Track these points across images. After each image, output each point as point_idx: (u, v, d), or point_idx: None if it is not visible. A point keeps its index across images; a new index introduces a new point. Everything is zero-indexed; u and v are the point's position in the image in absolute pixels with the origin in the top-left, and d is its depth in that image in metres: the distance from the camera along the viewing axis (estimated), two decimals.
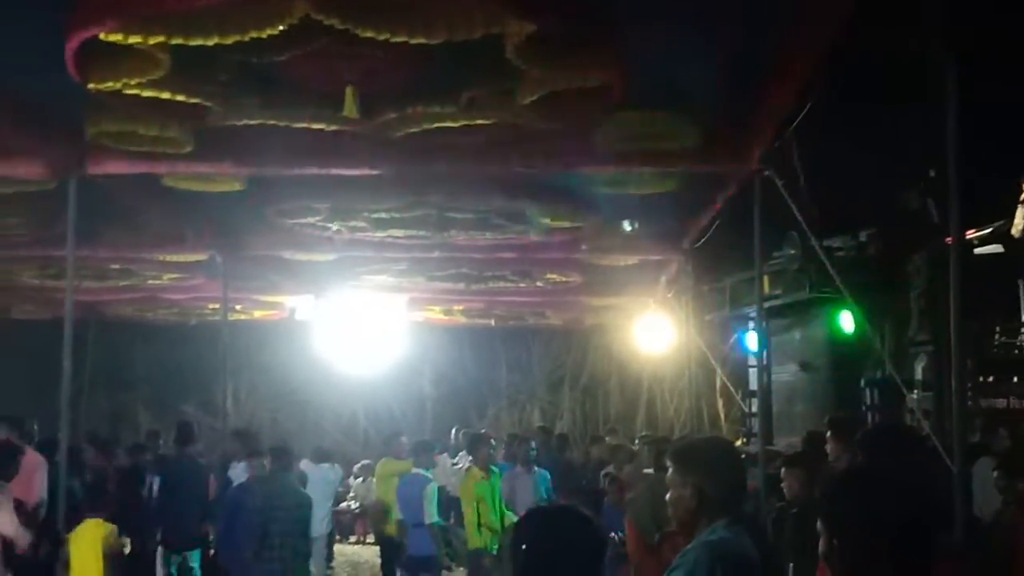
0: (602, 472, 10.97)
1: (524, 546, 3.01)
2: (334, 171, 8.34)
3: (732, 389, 13.90)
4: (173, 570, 10.01)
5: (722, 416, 14.24)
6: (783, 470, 6.66)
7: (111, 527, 8.11)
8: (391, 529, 10.80)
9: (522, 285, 15.02)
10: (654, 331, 14.38)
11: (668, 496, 3.47)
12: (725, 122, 7.49)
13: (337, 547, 16.45)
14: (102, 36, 5.45)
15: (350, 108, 6.48)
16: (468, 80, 6.64)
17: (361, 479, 17.18)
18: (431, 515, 9.75)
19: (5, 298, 16.75)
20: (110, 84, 6.09)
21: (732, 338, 14.37)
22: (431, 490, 9.86)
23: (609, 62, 6.09)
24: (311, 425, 21.29)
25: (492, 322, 19.48)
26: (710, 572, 3.16)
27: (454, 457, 13.63)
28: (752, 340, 13.62)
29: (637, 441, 12.33)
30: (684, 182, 8.94)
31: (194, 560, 10.06)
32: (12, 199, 9.65)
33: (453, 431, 15.84)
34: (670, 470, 3.49)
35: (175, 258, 12.64)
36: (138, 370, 22.70)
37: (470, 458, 11.18)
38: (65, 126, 7.36)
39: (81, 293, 10.74)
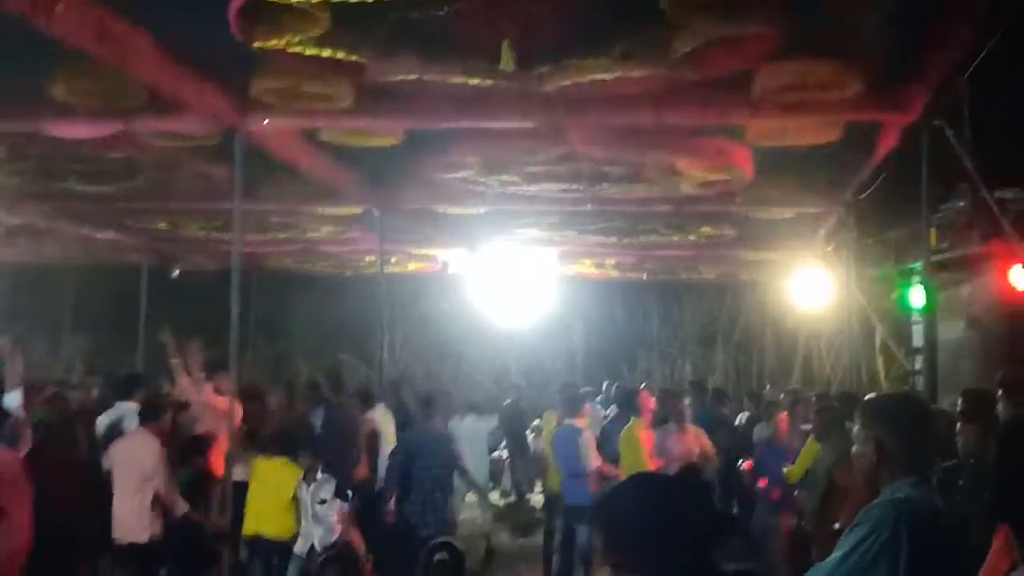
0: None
1: (624, 518, 2.60)
2: (488, 125, 8.37)
3: (893, 347, 13.47)
4: None
5: (882, 374, 13.81)
6: (959, 425, 6.42)
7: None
8: (551, 481, 10.95)
9: (675, 239, 14.85)
10: (811, 286, 14.04)
11: (853, 450, 3.40)
12: (890, 68, 7.20)
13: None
14: None
15: (507, 61, 6.49)
16: (623, 31, 6.56)
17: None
18: (590, 463, 9.81)
19: (173, 249, 17.47)
20: (273, 42, 6.23)
21: (895, 293, 13.90)
22: (586, 439, 9.91)
23: (766, 9, 5.92)
24: (464, 377, 21.60)
25: (644, 276, 19.35)
26: (894, 531, 3.06)
27: (606, 409, 13.63)
28: (917, 295, 13.15)
29: (782, 396, 12.11)
30: (845, 132, 8.64)
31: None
32: (180, 154, 10.04)
33: (604, 384, 15.83)
34: (856, 425, 3.41)
35: (333, 211, 12.96)
36: (297, 320, 23.38)
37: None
38: (230, 82, 7.57)
39: (245, 245, 11.09)
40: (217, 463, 9.18)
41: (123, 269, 18.08)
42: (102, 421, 9.63)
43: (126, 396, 9.89)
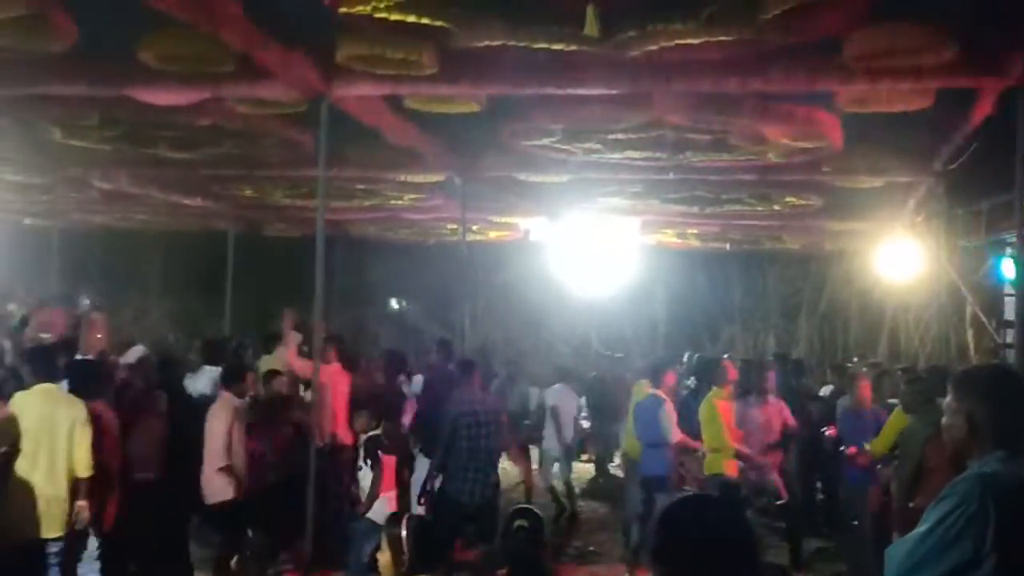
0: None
1: (669, 545, 2.57)
2: (571, 91, 8.31)
3: (984, 319, 13.16)
4: None
5: (971, 347, 13.50)
6: None
7: None
8: (632, 450, 10.95)
9: (759, 208, 14.66)
10: (899, 257, 13.77)
11: (943, 422, 3.33)
12: (986, 31, 6.98)
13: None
14: None
15: (591, 27, 6.42)
16: None
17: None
18: (672, 435, 9.78)
19: (259, 216, 17.74)
20: (359, 8, 6.25)
21: (986, 265, 13.57)
22: (668, 409, 9.87)
23: None
24: (544, 345, 21.62)
25: (727, 246, 19.15)
26: (981, 504, 2.98)
27: (687, 380, 13.55)
28: (1008, 267, 12.82)
29: (867, 370, 11.93)
30: (937, 98, 8.41)
31: None
32: (266, 121, 10.16)
33: (686, 355, 15.73)
34: (948, 397, 3.34)
35: (415, 179, 13.02)
36: (379, 288, 23.59)
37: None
38: (316, 49, 7.62)
39: (329, 212, 11.23)
40: (344, 433, 9.51)
41: (210, 235, 18.42)
42: (192, 385, 9.87)
43: (214, 361, 10.15)
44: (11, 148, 11.74)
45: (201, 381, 10.03)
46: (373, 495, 8.47)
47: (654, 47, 7.06)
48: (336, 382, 10.19)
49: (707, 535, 2.55)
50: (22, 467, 6.90)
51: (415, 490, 9.09)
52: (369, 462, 8.49)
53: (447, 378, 10.73)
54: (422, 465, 9.54)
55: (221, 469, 8.19)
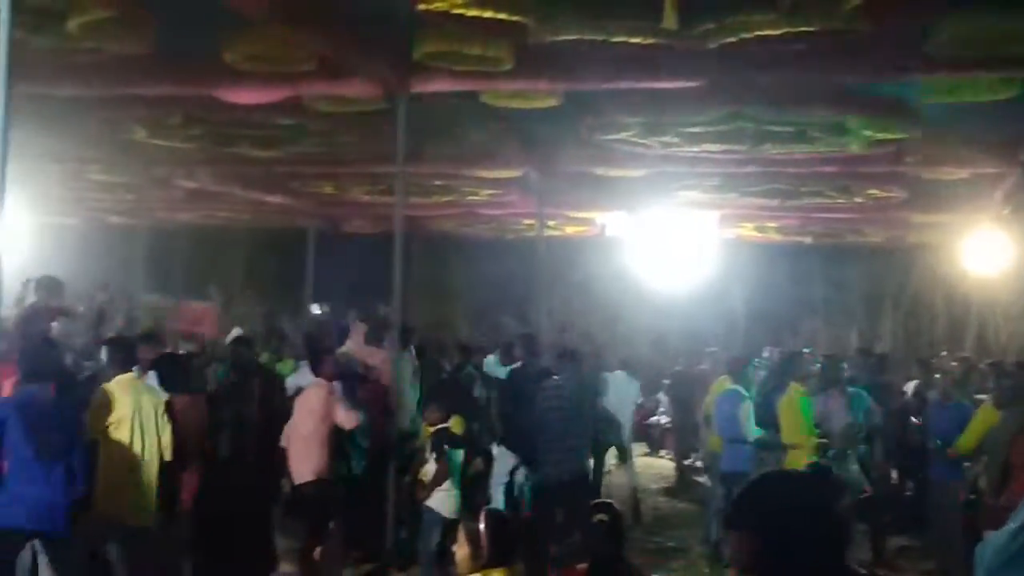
0: None
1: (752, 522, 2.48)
2: (649, 85, 8.27)
3: None
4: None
5: None
6: None
7: None
8: (712, 445, 10.89)
9: (840, 201, 14.45)
10: (986, 250, 13.46)
11: None
12: None
13: (646, 460, 16.71)
14: None
15: (669, 19, 6.37)
16: None
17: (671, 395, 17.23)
18: (753, 432, 9.69)
19: (338, 212, 17.93)
20: (437, 4, 6.28)
21: None
22: (748, 407, 9.78)
23: None
24: (621, 339, 21.53)
25: (807, 239, 18.91)
26: None
27: (768, 375, 13.39)
28: None
29: (954, 364, 11.70)
30: None
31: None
32: (345, 119, 10.26)
33: (767, 350, 15.56)
34: None
35: (492, 174, 13.06)
36: (457, 283, 23.69)
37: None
38: (393, 47, 7.68)
39: (407, 208, 11.31)
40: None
41: (291, 232, 18.67)
42: (297, 381, 9.98)
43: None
44: (98, 148, 12.02)
45: (306, 376, 10.14)
46: (434, 485, 8.51)
47: (733, 39, 7.00)
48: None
49: (793, 505, 2.45)
50: (114, 454, 7.06)
51: (495, 483, 9.13)
52: (435, 455, 8.54)
53: (530, 373, 10.76)
54: (503, 458, 9.58)
55: (309, 452, 8.32)
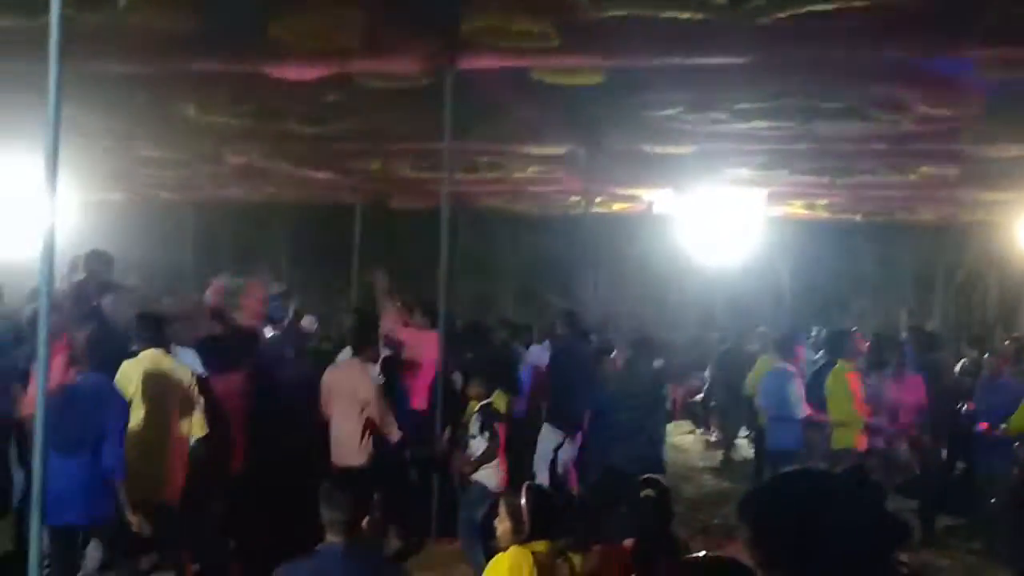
0: None
1: (771, 514, 2.43)
2: (699, 61, 8.17)
3: None
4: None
5: None
6: None
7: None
8: (760, 424, 10.86)
9: (892, 178, 14.23)
10: None
11: None
12: None
13: (692, 437, 16.68)
14: None
15: None
16: None
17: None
18: (800, 409, 9.63)
19: (384, 189, 17.94)
20: None
21: None
22: (796, 385, 9.71)
23: None
24: (669, 317, 21.46)
25: (857, 217, 18.70)
26: None
27: (815, 354, 13.30)
28: None
29: (1007, 343, 11.53)
30: None
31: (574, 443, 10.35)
32: (392, 95, 10.24)
33: (815, 328, 15.43)
34: None
35: (539, 151, 12.99)
36: (503, 260, 23.69)
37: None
38: (441, 23, 7.64)
39: (453, 184, 11.30)
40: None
41: (338, 208, 18.72)
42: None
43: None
44: (148, 124, 12.10)
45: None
46: (483, 461, 8.50)
47: (784, 14, 6.89)
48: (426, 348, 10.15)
49: (799, 511, 2.37)
50: (143, 430, 7.14)
51: (539, 459, 9.15)
52: (486, 432, 8.51)
53: (574, 350, 10.74)
54: (548, 435, 9.58)
55: (351, 435, 8.34)
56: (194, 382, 7.46)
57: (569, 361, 10.62)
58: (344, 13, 7.02)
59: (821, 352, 12.85)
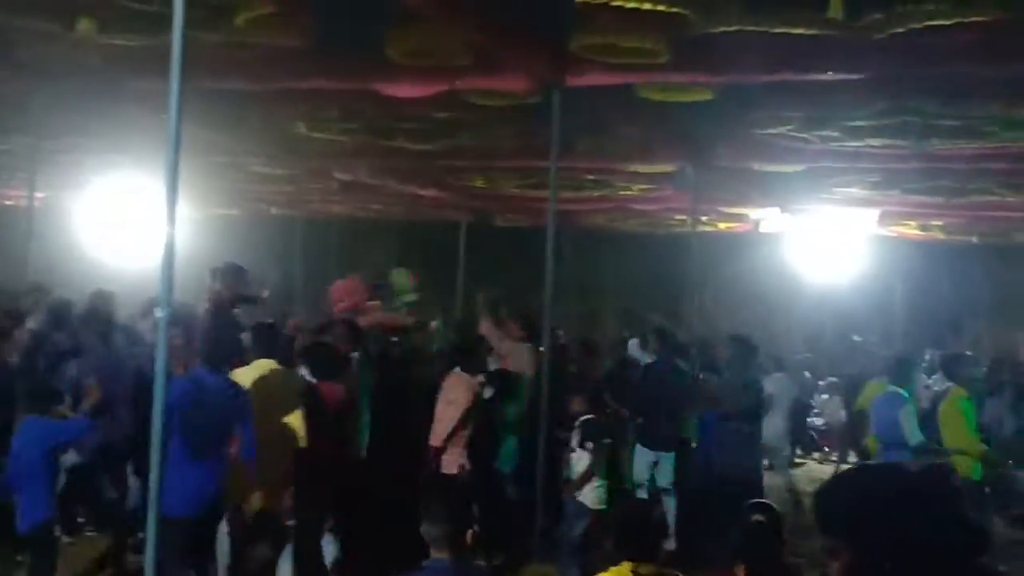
0: None
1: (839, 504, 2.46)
2: (812, 77, 8.03)
3: None
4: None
5: None
6: None
7: None
8: (871, 448, 10.58)
9: (1010, 199, 13.80)
10: None
11: None
12: None
13: (800, 462, 16.34)
14: None
15: (835, 9, 6.18)
16: None
17: (827, 396, 16.79)
18: (914, 436, 9.35)
19: (490, 206, 18.04)
20: None
21: None
22: (909, 410, 9.43)
23: None
24: (776, 338, 21.11)
25: (974, 239, 18.17)
26: None
27: (929, 377, 12.92)
28: None
29: None
30: None
31: (668, 463, 10.22)
32: (499, 112, 10.29)
33: (928, 352, 15.02)
34: None
35: (646, 169, 12.92)
36: (607, 278, 23.58)
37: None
38: (549, 40, 7.65)
39: (558, 202, 11.26)
40: None
41: (443, 225, 18.87)
42: None
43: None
44: (261, 141, 12.36)
45: None
46: (587, 477, 8.44)
47: (901, 29, 6.73)
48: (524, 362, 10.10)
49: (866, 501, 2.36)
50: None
51: (636, 479, 9.06)
52: (589, 445, 8.45)
53: (664, 368, 10.62)
54: (640, 453, 9.47)
55: (450, 445, 8.38)
56: (305, 390, 7.56)
57: (658, 379, 10.50)
58: (455, 32, 7.07)
59: (934, 377, 12.49)
